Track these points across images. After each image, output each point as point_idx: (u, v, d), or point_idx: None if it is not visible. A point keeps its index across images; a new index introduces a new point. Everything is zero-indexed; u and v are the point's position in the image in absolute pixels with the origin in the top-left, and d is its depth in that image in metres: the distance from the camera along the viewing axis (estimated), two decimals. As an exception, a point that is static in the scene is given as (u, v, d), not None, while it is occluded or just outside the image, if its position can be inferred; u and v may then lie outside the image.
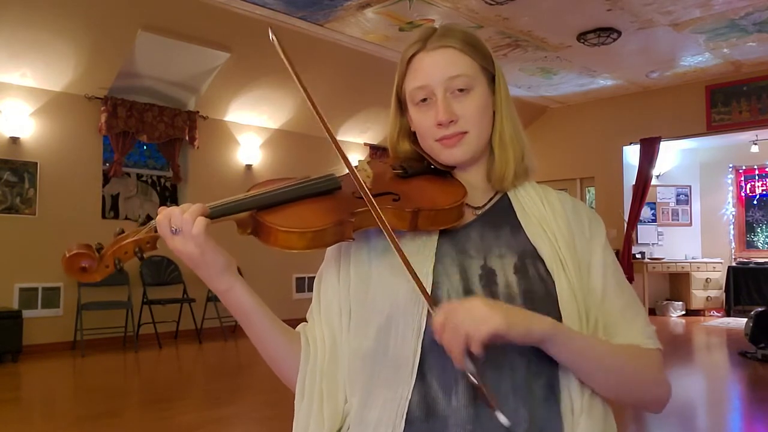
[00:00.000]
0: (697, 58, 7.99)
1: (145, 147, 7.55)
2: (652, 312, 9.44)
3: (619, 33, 6.95)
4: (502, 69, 1.02)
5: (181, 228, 0.86)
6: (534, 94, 9.62)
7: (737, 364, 5.86)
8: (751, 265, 9.21)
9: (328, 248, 1.01)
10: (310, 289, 1.08)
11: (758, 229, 9.78)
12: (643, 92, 9.40)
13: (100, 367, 5.83)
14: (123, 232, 0.89)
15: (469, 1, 6.09)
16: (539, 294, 0.91)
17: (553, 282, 0.92)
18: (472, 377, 0.80)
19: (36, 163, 6.33)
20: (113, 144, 6.83)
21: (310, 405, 0.94)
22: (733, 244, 9.78)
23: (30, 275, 6.18)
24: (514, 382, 0.87)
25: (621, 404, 0.95)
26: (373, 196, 0.91)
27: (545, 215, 0.98)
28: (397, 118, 1.05)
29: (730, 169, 9.85)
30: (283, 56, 0.94)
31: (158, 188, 7.66)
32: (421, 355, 0.88)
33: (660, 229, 10.00)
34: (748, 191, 9.77)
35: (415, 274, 0.86)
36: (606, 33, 6.93)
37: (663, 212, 10.04)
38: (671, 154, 9.92)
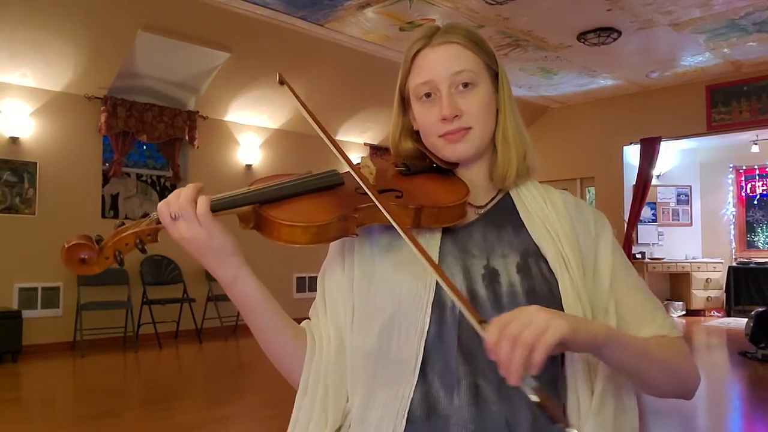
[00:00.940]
0: (697, 58, 7.98)
1: (144, 147, 7.55)
2: (652, 312, 9.41)
3: (619, 33, 6.94)
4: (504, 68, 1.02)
5: (182, 211, 0.85)
6: (534, 94, 9.62)
7: (737, 364, 5.86)
8: (751, 265, 9.21)
9: (332, 244, 1.00)
10: (311, 289, 1.07)
11: (758, 229, 9.77)
12: (643, 92, 9.40)
13: (100, 367, 5.82)
14: (124, 224, 0.88)
15: (469, 1, 6.09)
16: (542, 293, 0.90)
17: (557, 281, 0.91)
18: (533, 394, 0.71)
19: (36, 163, 6.33)
20: (113, 144, 6.83)
21: (313, 402, 0.93)
22: (733, 244, 9.78)
23: (30, 275, 6.17)
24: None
25: (661, 397, 0.94)
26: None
27: (548, 214, 0.97)
28: (399, 116, 1.05)
29: (731, 169, 9.86)
30: (296, 98, 0.94)
31: (158, 188, 7.66)
32: (423, 354, 0.87)
33: (660, 229, 10.00)
34: (748, 191, 9.77)
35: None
36: (606, 33, 6.93)
37: (663, 212, 10.04)
38: (671, 154, 9.92)
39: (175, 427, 3.85)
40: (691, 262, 9.64)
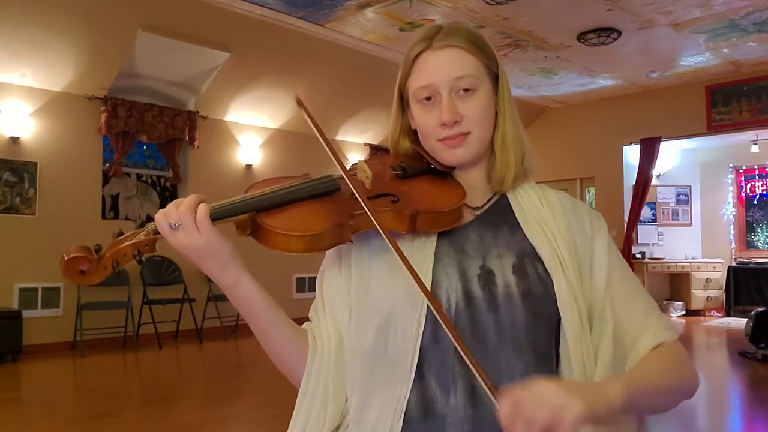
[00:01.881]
0: (697, 58, 7.98)
1: (145, 147, 7.55)
2: (652, 312, 9.41)
3: (619, 33, 6.94)
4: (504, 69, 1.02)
5: (182, 220, 0.86)
6: (534, 94, 9.62)
7: (737, 364, 5.86)
8: (751, 265, 9.21)
9: None
10: (311, 289, 1.08)
11: (758, 229, 9.77)
12: (643, 92, 9.40)
13: (100, 367, 5.82)
14: (122, 233, 0.89)
15: (469, 1, 6.09)
16: (538, 294, 0.90)
17: (552, 282, 0.91)
18: None
19: (36, 163, 6.33)
20: (113, 144, 6.83)
21: (312, 402, 0.94)
22: (733, 244, 9.78)
23: (30, 275, 6.17)
24: (512, 384, 0.87)
25: (665, 412, 0.95)
26: (372, 197, 0.91)
27: (544, 215, 0.98)
28: (398, 116, 1.05)
29: (731, 169, 9.85)
30: (310, 122, 0.94)
31: (158, 188, 7.66)
32: (419, 354, 0.88)
33: (660, 229, 9.99)
34: (748, 191, 9.76)
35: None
36: (606, 33, 6.93)
37: (663, 212, 10.04)
38: (671, 154, 9.92)
39: (175, 427, 3.85)
40: (690, 262, 9.63)
